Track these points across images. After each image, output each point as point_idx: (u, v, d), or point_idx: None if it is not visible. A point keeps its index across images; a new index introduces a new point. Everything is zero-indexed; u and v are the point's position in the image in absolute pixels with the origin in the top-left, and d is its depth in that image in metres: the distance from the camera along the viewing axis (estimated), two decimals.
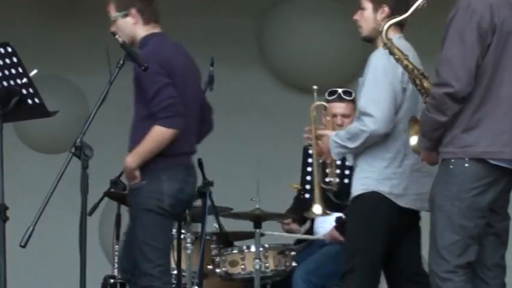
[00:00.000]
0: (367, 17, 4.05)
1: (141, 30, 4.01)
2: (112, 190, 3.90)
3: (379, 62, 3.90)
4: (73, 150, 3.24)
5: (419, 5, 3.46)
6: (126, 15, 4.04)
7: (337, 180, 4.25)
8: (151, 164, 3.86)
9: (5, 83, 3.52)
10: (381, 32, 3.63)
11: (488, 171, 3.40)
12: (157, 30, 4.06)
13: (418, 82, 3.66)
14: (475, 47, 3.33)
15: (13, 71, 3.50)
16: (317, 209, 4.14)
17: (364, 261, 3.90)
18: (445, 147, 3.41)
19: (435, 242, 3.41)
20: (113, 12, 4.09)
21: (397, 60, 3.69)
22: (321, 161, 4.08)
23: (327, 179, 4.11)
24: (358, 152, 3.97)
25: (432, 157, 3.52)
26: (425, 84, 3.57)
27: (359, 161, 4.00)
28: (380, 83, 3.91)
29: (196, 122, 4.07)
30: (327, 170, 4.15)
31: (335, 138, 3.96)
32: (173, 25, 6.99)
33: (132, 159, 3.78)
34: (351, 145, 3.89)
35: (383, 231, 3.89)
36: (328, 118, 4.32)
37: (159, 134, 3.82)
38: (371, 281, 3.94)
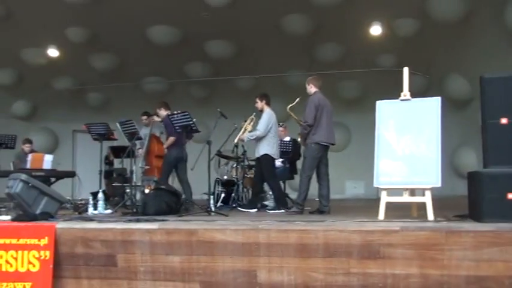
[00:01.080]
0: (260, 105, 7.85)
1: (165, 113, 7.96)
2: None
3: (266, 115, 7.69)
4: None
5: (298, 101, 7.26)
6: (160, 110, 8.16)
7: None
8: (170, 147, 7.68)
9: (185, 123, 7.02)
10: (288, 109, 7.30)
11: (320, 146, 6.83)
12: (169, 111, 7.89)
13: (300, 123, 7.13)
14: (314, 111, 6.75)
15: (188, 118, 7.03)
16: (236, 138, 7.95)
17: (270, 176, 7.71)
18: (308, 140, 6.85)
19: (304, 166, 6.82)
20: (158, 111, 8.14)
21: (294, 118, 7.38)
22: (239, 141, 7.92)
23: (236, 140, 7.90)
24: (255, 139, 7.62)
25: (304, 143, 6.93)
26: (301, 123, 7.03)
27: (259, 143, 7.65)
28: (265, 122, 7.67)
29: (183, 136, 7.61)
30: (241, 140, 7.90)
31: (248, 134, 7.76)
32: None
33: (165, 145, 7.62)
34: (251, 137, 7.66)
35: (272, 165, 7.76)
36: (252, 124, 8.03)
37: (172, 139, 7.58)
38: (278, 182, 7.88)
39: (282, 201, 7.63)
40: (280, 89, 12.21)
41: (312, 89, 7.11)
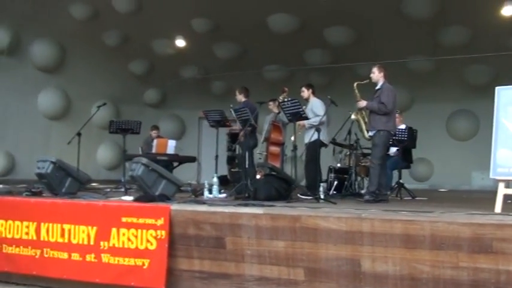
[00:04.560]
0: (306, 93, 8.17)
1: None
2: None
3: (319, 103, 7.95)
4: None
5: (365, 82, 7.20)
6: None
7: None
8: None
9: (295, 110, 7.08)
10: (354, 89, 7.26)
11: (390, 134, 7.03)
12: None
13: (359, 100, 7.19)
14: (393, 99, 6.83)
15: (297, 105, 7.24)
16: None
17: (314, 158, 7.67)
18: (377, 126, 6.86)
19: (376, 154, 6.86)
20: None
21: (356, 95, 7.24)
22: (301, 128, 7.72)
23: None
24: (312, 126, 7.48)
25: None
26: (363, 109, 7.35)
27: (312, 130, 7.43)
28: (320, 108, 7.91)
29: None
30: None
31: (309, 120, 7.69)
32: None
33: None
34: (314, 123, 7.50)
35: (318, 151, 7.62)
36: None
37: None
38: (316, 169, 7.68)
39: (313, 188, 7.37)
40: (403, 75, 11.83)
41: (382, 77, 6.98)
